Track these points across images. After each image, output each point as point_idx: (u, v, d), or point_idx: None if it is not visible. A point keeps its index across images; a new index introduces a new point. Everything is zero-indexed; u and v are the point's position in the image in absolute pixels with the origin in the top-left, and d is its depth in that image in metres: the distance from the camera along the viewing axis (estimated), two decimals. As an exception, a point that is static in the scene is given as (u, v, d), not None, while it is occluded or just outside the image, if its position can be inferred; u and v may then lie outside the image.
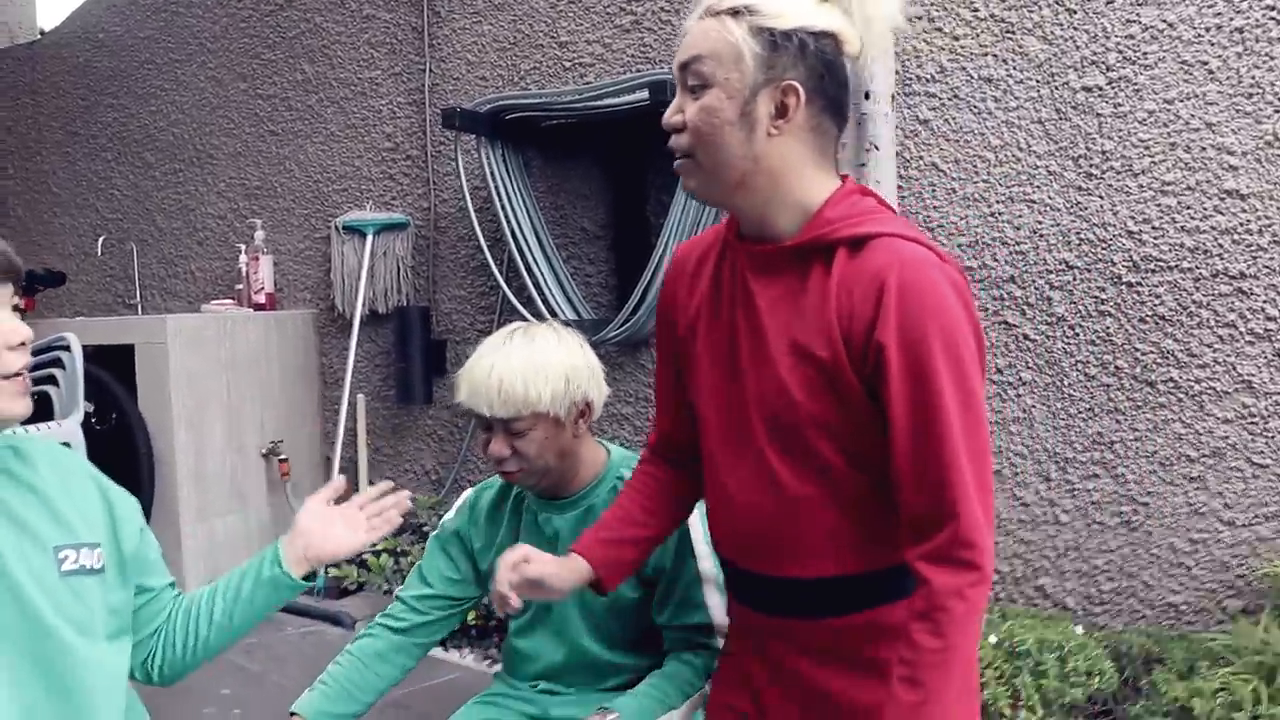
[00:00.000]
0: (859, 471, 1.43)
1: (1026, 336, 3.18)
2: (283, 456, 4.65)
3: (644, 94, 3.46)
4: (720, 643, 1.91)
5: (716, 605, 1.94)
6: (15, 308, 1.46)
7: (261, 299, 4.87)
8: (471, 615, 3.89)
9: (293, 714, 2.01)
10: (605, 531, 1.72)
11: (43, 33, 6.37)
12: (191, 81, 5.35)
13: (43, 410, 4.16)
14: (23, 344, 1.43)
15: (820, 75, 1.40)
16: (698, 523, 1.93)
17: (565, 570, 1.66)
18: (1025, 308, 3.18)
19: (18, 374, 1.43)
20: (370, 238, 4.52)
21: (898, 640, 1.38)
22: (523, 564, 1.63)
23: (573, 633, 2.06)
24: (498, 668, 3.54)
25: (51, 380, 4.16)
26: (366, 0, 4.66)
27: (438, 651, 3.79)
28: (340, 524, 1.70)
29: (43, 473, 1.52)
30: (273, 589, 1.65)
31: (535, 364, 1.92)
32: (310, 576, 1.69)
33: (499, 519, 2.11)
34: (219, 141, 5.27)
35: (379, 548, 4.21)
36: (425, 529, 4.13)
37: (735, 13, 1.39)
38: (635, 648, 2.07)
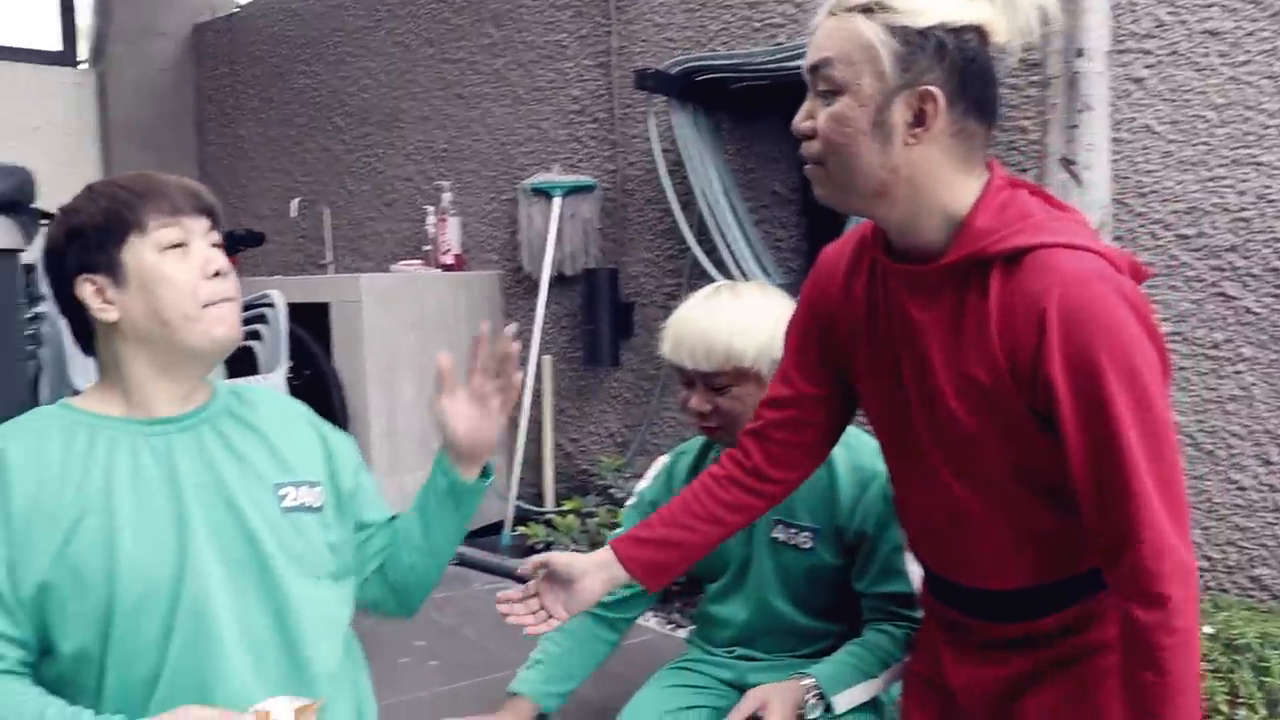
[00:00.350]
0: (1034, 494, 1.39)
1: (1249, 310, 3.02)
2: (470, 416, 4.75)
3: (838, 55, 3.39)
4: (920, 614, 1.89)
5: (917, 574, 1.92)
6: (215, 244, 1.53)
7: (449, 260, 4.99)
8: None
9: (513, 693, 2.07)
10: (646, 530, 1.66)
11: (239, 6, 6.64)
12: (380, 47, 5.50)
13: (248, 364, 4.37)
14: (219, 274, 1.50)
15: (962, 75, 1.31)
16: None
17: (594, 565, 1.63)
18: (1248, 279, 3.01)
19: (220, 302, 1.50)
20: (558, 200, 4.57)
21: (1095, 635, 1.39)
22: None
23: (769, 598, 2.07)
24: (682, 632, 3.60)
25: (256, 336, 4.36)
26: (553, -37, 4.70)
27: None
28: (472, 409, 1.67)
29: (263, 414, 1.61)
30: (453, 499, 1.70)
31: (741, 320, 1.93)
32: (485, 473, 1.73)
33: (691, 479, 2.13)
34: (407, 105, 5.40)
35: (565, 507, 4.30)
36: (611, 490, 4.19)
37: (867, 10, 1.30)
38: (833, 615, 2.07)
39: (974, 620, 1.55)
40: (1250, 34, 2.97)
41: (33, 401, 3.48)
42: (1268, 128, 2.95)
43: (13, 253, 2.53)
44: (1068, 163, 2.90)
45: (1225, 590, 3.09)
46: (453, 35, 5.15)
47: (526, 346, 4.73)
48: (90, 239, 1.47)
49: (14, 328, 2.61)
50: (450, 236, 5.00)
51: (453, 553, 1.78)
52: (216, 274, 1.50)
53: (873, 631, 1.99)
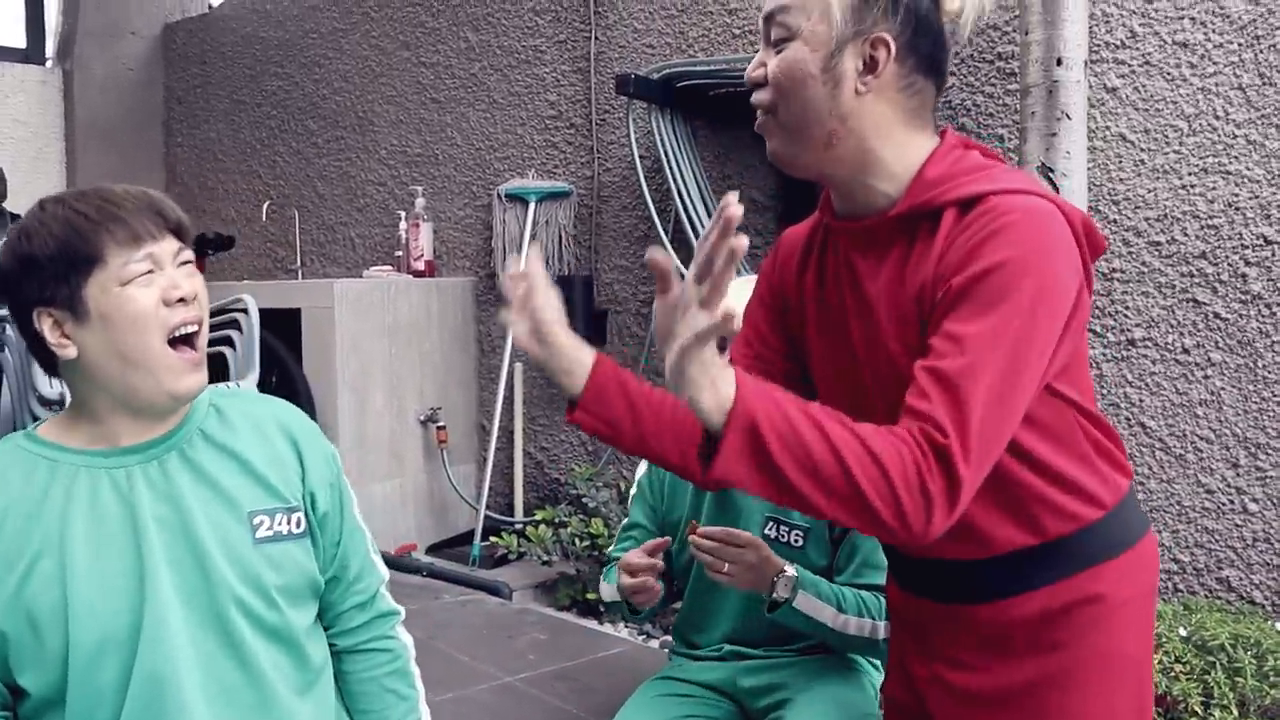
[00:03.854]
0: None
1: (1217, 315, 3.16)
2: (441, 424, 4.85)
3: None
4: None
5: None
6: (185, 262, 1.47)
7: (421, 266, 5.09)
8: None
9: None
10: (637, 396, 1.46)
11: (211, 6, 6.73)
12: (355, 50, 5.60)
13: (220, 371, 4.43)
14: (182, 300, 1.44)
15: (914, 29, 1.34)
16: None
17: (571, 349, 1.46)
18: (1217, 285, 3.16)
19: (180, 336, 1.44)
20: (533, 206, 4.69)
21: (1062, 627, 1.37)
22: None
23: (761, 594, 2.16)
24: (655, 643, 3.69)
25: (228, 342, 4.43)
26: (532, -33, 4.83)
27: (593, 624, 3.94)
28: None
29: (241, 431, 1.55)
30: None
31: None
32: None
33: None
34: (381, 109, 5.51)
35: (537, 518, 4.39)
36: (583, 499, 4.28)
37: None
38: None
39: (940, 605, 1.53)
40: (1219, 46, 3.13)
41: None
42: (1235, 138, 3.11)
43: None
44: (1046, 170, 3.05)
45: (1194, 592, 3.22)
46: (429, 39, 5.26)
47: (499, 354, 4.83)
48: (47, 271, 1.40)
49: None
50: (423, 242, 5.10)
51: None
52: (181, 300, 1.44)
53: (857, 596, 2.09)
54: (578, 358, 1.47)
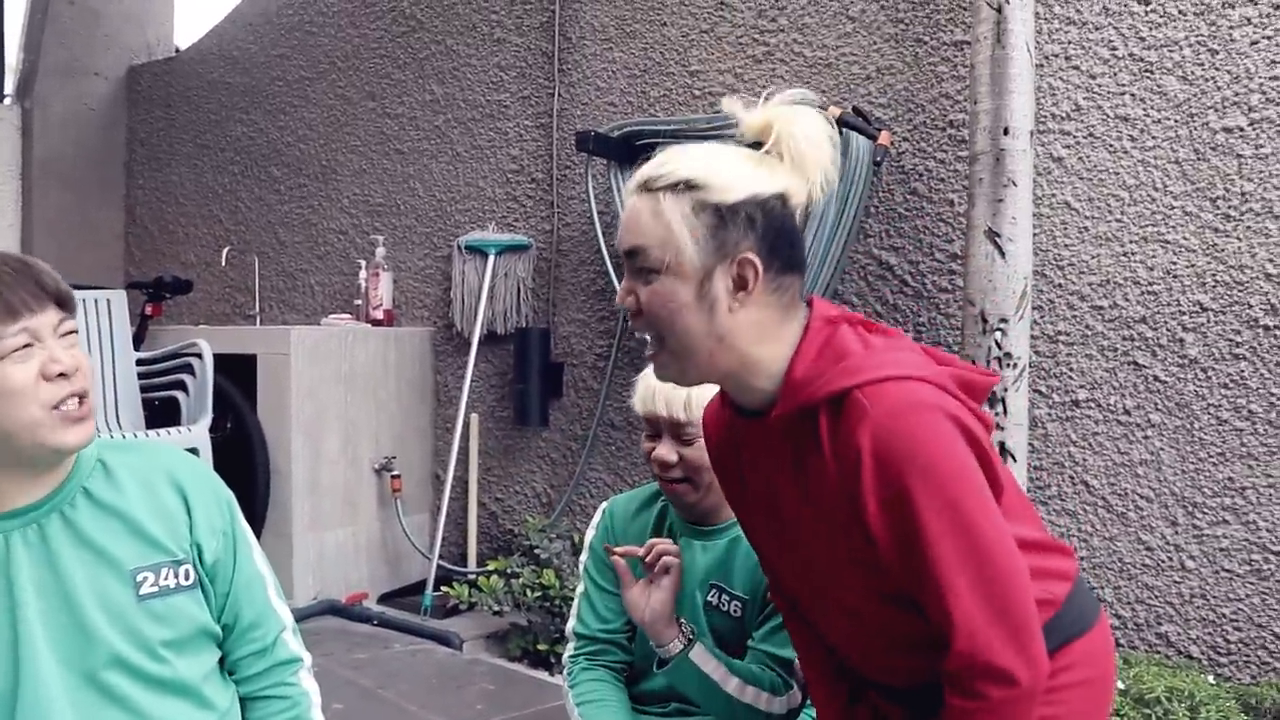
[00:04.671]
0: (904, 609, 1.45)
1: (1157, 378, 3.29)
2: (395, 472, 4.88)
3: (773, 125, 3.63)
4: (796, 688, 2.03)
5: None
6: (68, 332, 1.47)
7: (380, 315, 5.14)
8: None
9: None
10: None
11: (178, 50, 6.79)
12: (321, 99, 5.69)
13: (172, 416, 4.46)
14: (63, 375, 1.43)
15: (774, 240, 1.40)
16: None
17: None
18: (1156, 349, 3.29)
19: (63, 404, 1.44)
20: (492, 258, 4.77)
21: None
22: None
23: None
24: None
25: (181, 386, 4.46)
26: (498, 24, 4.94)
27: (544, 675, 3.96)
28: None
29: (128, 490, 1.55)
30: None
31: None
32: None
33: (643, 534, 2.21)
34: (344, 158, 5.58)
35: (490, 568, 4.42)
36: (536, 551, 4.32)
37: (675, 188, 1.39)
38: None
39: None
40: (1158, 122, 3.28)
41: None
42: (1173, 209, 3.25)
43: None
44: (993, 235, 3.17)
45: (1135, 647, 3.31)
46: (395, 90, 5.36)
47: (455, 404, 4.88)
48: None
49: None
50: (382, 291, 5.15)
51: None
52: (62, 375, 1.43)
53: (763, 670, 2.09)
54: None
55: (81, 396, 1.46)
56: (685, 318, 1.39)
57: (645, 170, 1.43)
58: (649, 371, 2.10)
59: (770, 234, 1.40)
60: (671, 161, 1.42)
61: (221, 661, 1.66)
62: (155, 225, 6.60)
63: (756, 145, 1.45)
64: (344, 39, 5.58)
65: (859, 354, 1.40)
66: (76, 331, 1.49)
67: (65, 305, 1.47)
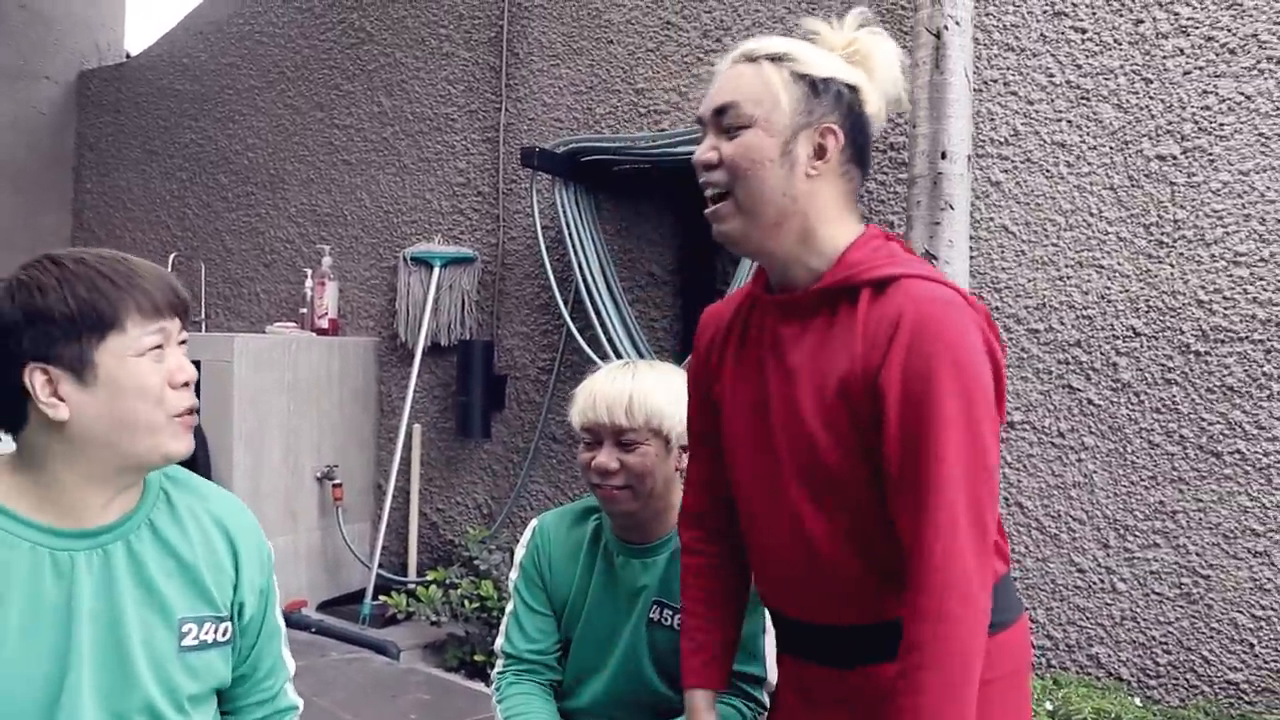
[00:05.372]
0: (881, 521, 1.43)
1: (1090, 401, 3.22)
2: (337, 481, 4.75)
3: (713, 144, 3.55)
4: (767, 700, 1.96)
5: (773, 663, 1.98)
6: (183, 342, 1.45)
7: (325, 324, 5.00)
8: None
9: None
10: (705, 654, 1.75)
11: (129, 56, 6.62)
12: (269, 108, 5.54)
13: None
14: (186, 384, 1.42)
15: (852, 123, 1.47)
16: None
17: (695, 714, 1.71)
18: (1090, 373, 3.23)
19: (184, 413, 1.41)
20: (437, 270, 4.65)
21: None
22: None
23: (641, 666, 2.10)
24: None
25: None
26: (446, 39, 4.82)
27: (480, 686, 3.85)
28: None
29: (188, 532, 1.50)
30: None
31: (664, 384, 2.03)
32: None
33: (576, 552, 2.14)
34: (292, 167, 5.44)
35: (429, 578, 4.29)
36: (475, 561, 4.20)
37: (775, 59, 1.46)
38: None
39: (824, 669, 1.58)
40: (1093, 149, 3.22)
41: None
42: (1108, 234, 3.19)
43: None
44: (930, 257, 3.09)
45: (1066, 668, 3.24)
46: (343, 101, 5.22)
47: (398, 415, 4.76)
48: (57, 329, 1.33)
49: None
50: (328, 300, 5.02)
51: None
52: (185, 384, 1.42)
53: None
54: (699, 705, 1.73)
55: (195, 410, 1.45)
56: (766, 170, 1.43)
57: (745, 45, 1.50)
58: (589, 381, 2.06)
59: (850, 118, 1.47)
60: (770, 39, 1.49)
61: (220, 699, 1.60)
62: (103, 230, 6.41)
63: None
64: (294, 49, 5.44)
65: (914, 259, 1.48)
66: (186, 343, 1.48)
67: (187, 317, 1.46)
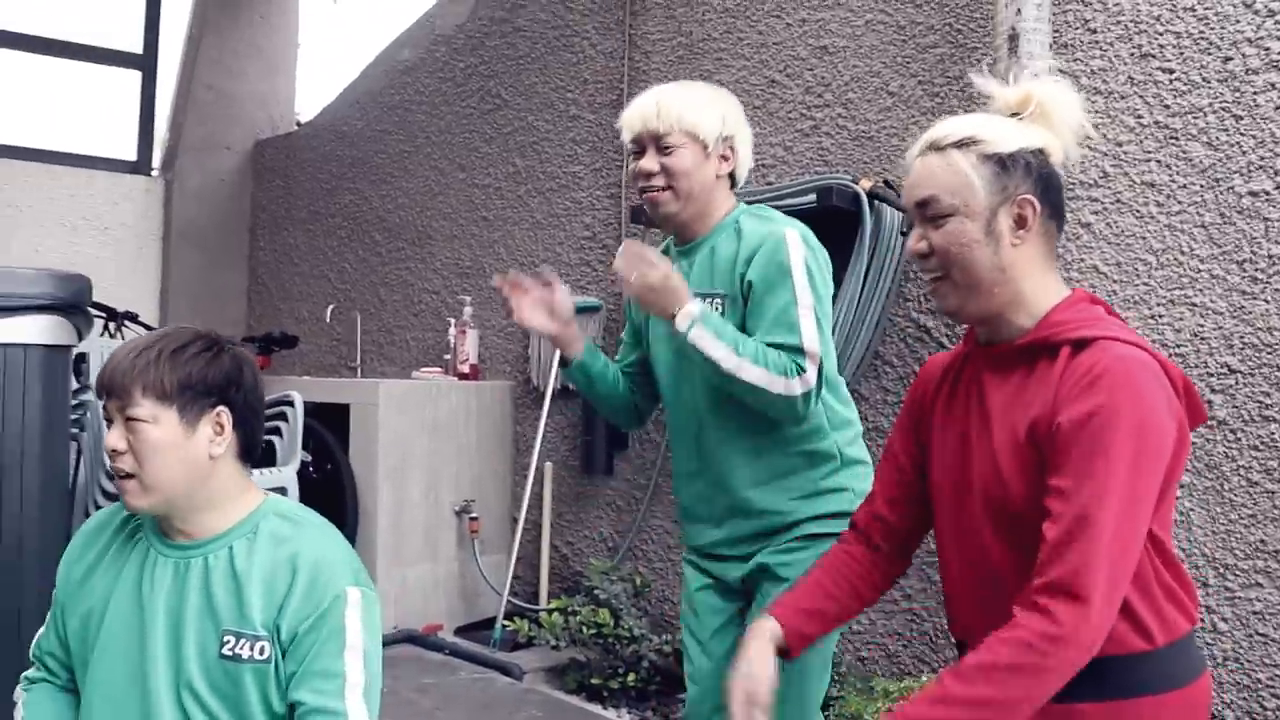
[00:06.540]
0: None
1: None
2: (474, 515, 4.88)
3: (812, 198, 3.58)
4: (809, 366, 2.05)
5: (811, 333, 2.07)
6: (130, 418, 1.62)
7: (466, 369, 5.15)
8: (632, 676, 3.97)
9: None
10: (807, 600, 1.73)
11: (299, 124, 6.99)
12: (417, 170, 5.78)
13: (267, 457, 4.52)
14: (112, 452, 1.63)
15: (1045, 186, 1.51)
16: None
17: (756, 636, 1.68)
18: (1185, 411, 3.09)
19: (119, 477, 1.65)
20: (565, 317, 4.74)
21: None
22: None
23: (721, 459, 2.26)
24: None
25: (277, 431, 4.53)
26: (573, 102, 4.96)
27: (596, 708, 3.89)
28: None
29: (258, 560, 1.66)
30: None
31: (694, 93, 2.23)
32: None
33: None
34: (438, 225, 5.65)
35: (551, 606, 4.36)
36: (596, 591, 4.25)
37: (960, 145, 1.51)
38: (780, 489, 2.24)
39: None
40: (1183, 187, 3.11)
41: (72, 480, 3.66)
42: (1200, 272, 3.07)
43: (66, 348, 2.80)
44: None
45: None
46: (482, 163, 5.41)
47: (530, 453, 4.86)
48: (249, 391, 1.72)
49: (64, 413, 2.84)
50: (469, 347, 5.18)
51: None
52: (111, 451, 1.67)
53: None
54: (768, 629, 1.72)
55: (124, 474, 1.65)
56: (975, 252, 1.49)
57: (928, 135, 1.56)
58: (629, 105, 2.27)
59: (1042, 180, 1.51)
60: (951, 124, 1.55)
61: None
62: (274, 284, 6.76)
63: (1012, 116, 1.57)
64: (438, 115, 5.66)
65: (1116, 323, 1.51)
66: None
67: (122, 397, 1.66)
